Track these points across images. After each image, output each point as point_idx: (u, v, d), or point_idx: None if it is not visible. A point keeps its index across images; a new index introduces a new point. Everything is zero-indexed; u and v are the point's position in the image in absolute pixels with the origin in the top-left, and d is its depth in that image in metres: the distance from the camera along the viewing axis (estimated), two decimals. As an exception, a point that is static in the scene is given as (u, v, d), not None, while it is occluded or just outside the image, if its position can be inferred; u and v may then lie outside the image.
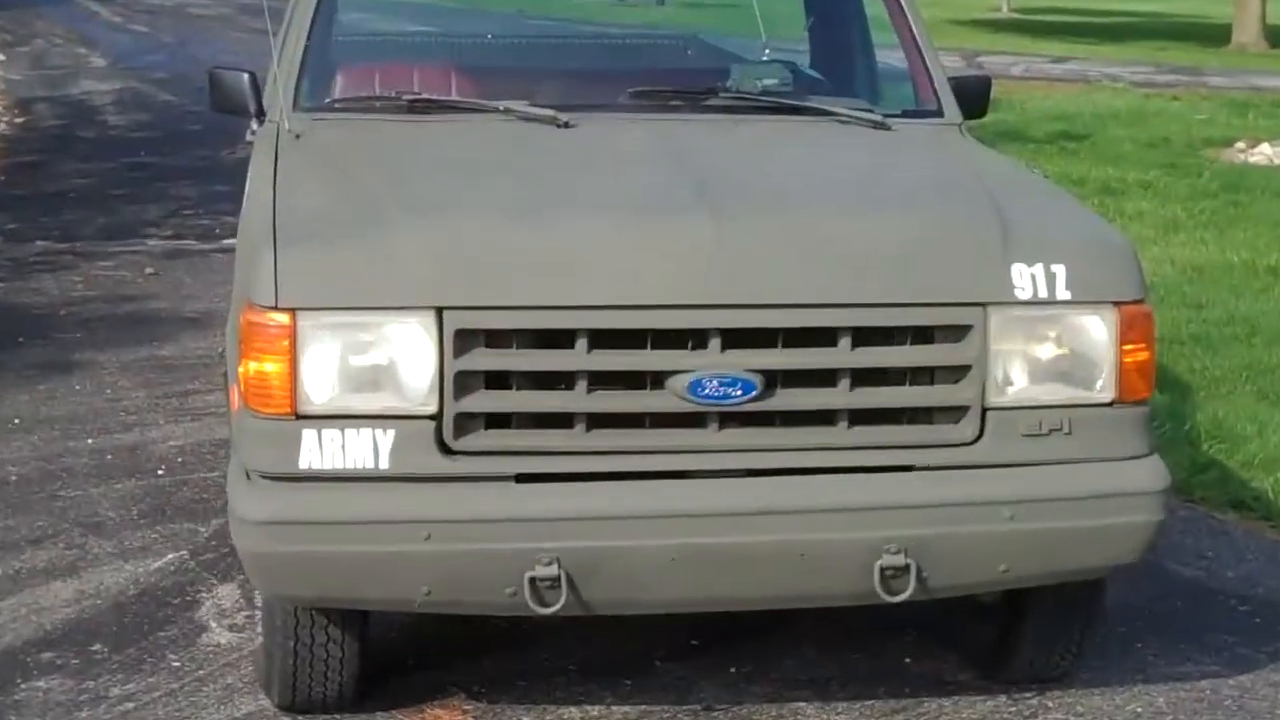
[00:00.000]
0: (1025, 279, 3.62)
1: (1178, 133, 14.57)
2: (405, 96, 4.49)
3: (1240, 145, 13.66)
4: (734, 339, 3.53)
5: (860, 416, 3.60)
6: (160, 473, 5.69)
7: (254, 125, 4.65)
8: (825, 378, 3.58)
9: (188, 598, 4.71)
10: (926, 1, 5.17)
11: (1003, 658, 4.23)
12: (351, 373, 3.48)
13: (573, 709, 4.11)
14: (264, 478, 3.51)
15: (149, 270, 8.67)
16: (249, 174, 4.37)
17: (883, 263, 3.59)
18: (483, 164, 4.15)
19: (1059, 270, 3.63)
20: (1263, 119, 15.57)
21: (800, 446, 3.59)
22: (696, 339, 3.53)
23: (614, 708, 4.12)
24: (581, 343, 3.49)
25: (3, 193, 10.73)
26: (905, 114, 4.70)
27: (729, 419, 3.56)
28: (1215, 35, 27.09)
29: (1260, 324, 7.79)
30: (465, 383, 3.48)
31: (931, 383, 3.63)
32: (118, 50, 20.00)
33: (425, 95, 4.51)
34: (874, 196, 3.98)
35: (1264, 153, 13.30)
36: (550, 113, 4.36)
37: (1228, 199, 11.32)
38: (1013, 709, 4.16)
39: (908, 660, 4.42)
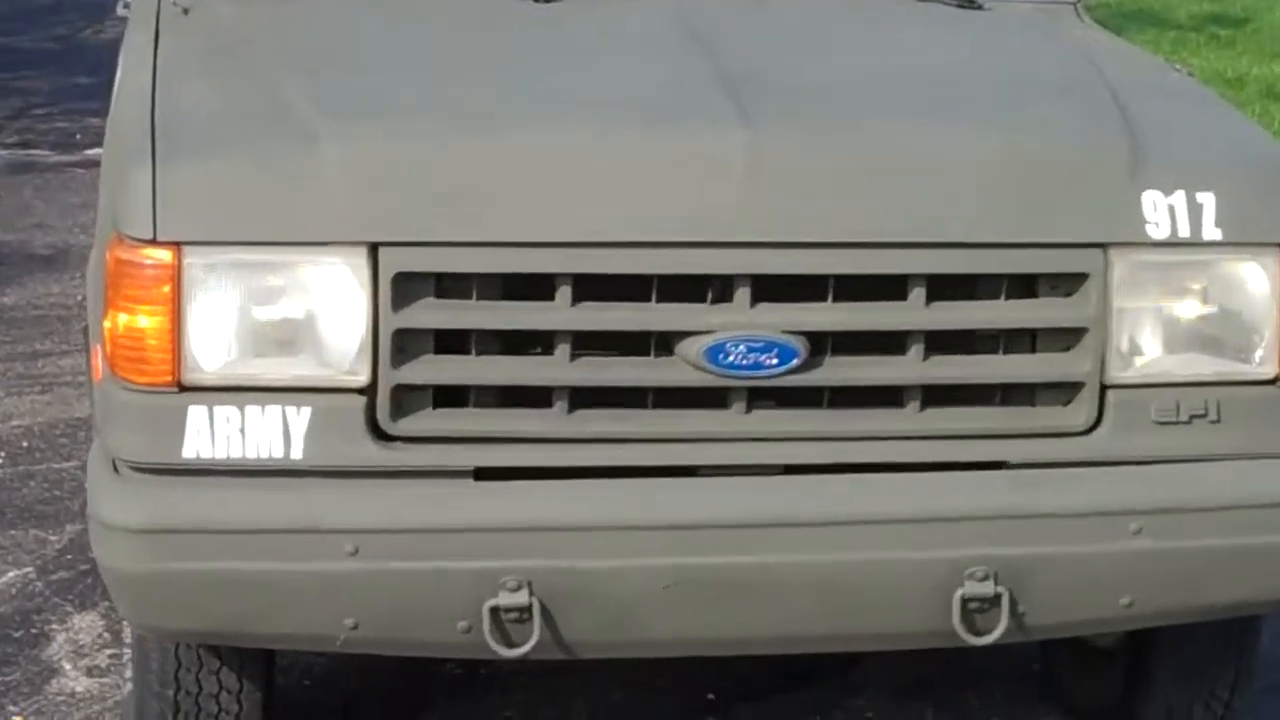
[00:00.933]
0: (1161, 212, 3.62)
1: (1368, 17, 14.57)
2: (329, -43, 4.49)
3: None
4: (769, 289, 3.53)
5: (936, 395, 3.61)
6: (-2, 461, 5.71)
7: (127, -5, 4.65)
8: (891, 342, 3.58)
9: (33, 630, 4.73)
10: None
11: (1124, 720, 4.25)
12: (255, 330, 3.48)
13: (547, 782, 4.16)
14: (136, 470, 3.52)
15: (-15, 189, 8.69)
16: (120, 61, 4.36)
17: (969, 189, 3.59)
18: (433, 51, 4.15)
19: (1206, 201, 3.63)
20: None
21: (856, 435, 3.59)
22: (718, 288, 3.53)
23: (602, 781, 4.17)
24: (564, 292, 3.49)
25: None
26: (1002, -13, 4.70)
27: (760, 396, 3.56)
28: None
29: None
30: (408, 345, 3.48)
31: (1032, 350, 3.63)
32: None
33: (356, -44, 4.51)
34: (959, 100, 3.97)
35: None
36: (525, -19, 4.36)
37: None
38: (1136, 788, 4.20)
39: (996, 721, 4.45)
